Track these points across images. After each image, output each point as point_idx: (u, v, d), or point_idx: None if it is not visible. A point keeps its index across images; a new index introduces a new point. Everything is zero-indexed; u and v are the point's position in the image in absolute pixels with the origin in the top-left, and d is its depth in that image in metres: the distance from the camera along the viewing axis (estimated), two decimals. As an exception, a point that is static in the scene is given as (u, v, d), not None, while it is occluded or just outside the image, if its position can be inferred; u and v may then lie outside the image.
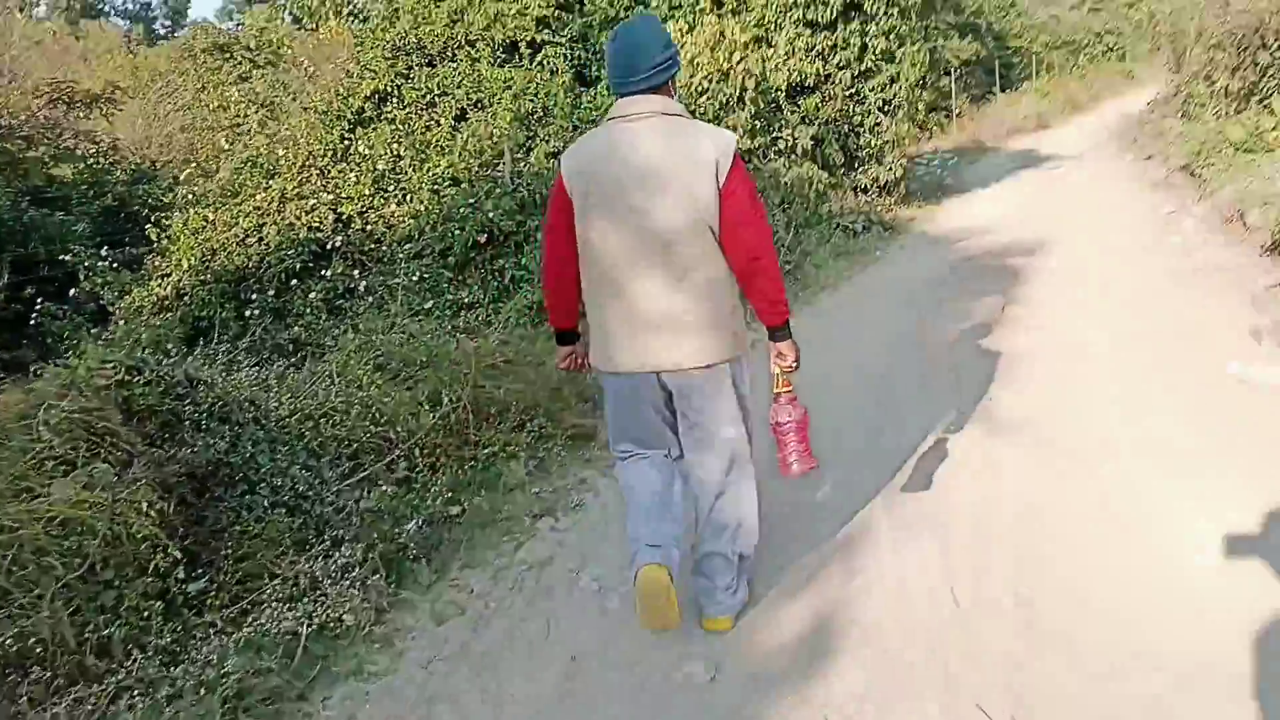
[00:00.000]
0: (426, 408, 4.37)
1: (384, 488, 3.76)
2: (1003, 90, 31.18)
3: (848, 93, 11.30)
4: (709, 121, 9.25)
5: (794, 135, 10.47)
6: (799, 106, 11.02)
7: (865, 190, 11.72)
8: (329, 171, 8.34)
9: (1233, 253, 7.23)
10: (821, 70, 10.93)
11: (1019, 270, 7.80)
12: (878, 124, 11.51)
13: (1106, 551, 3.17)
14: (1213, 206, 9.13)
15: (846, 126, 11.38)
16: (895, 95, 11.38)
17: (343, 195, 8.08)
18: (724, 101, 9.41)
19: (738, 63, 9.34)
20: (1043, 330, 5.99)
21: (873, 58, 11.14)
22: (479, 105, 9.07)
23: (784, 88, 10.58)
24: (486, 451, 4.35)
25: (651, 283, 2.52)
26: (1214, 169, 10.23)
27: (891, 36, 11.20)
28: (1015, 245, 8.81)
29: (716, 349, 2.58)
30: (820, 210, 10.18)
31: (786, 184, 9.95)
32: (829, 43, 10.92)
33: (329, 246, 7.64)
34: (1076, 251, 8.23)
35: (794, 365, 2.74)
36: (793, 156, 10.39)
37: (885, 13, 10.99)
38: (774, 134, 10.26)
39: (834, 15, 10.82)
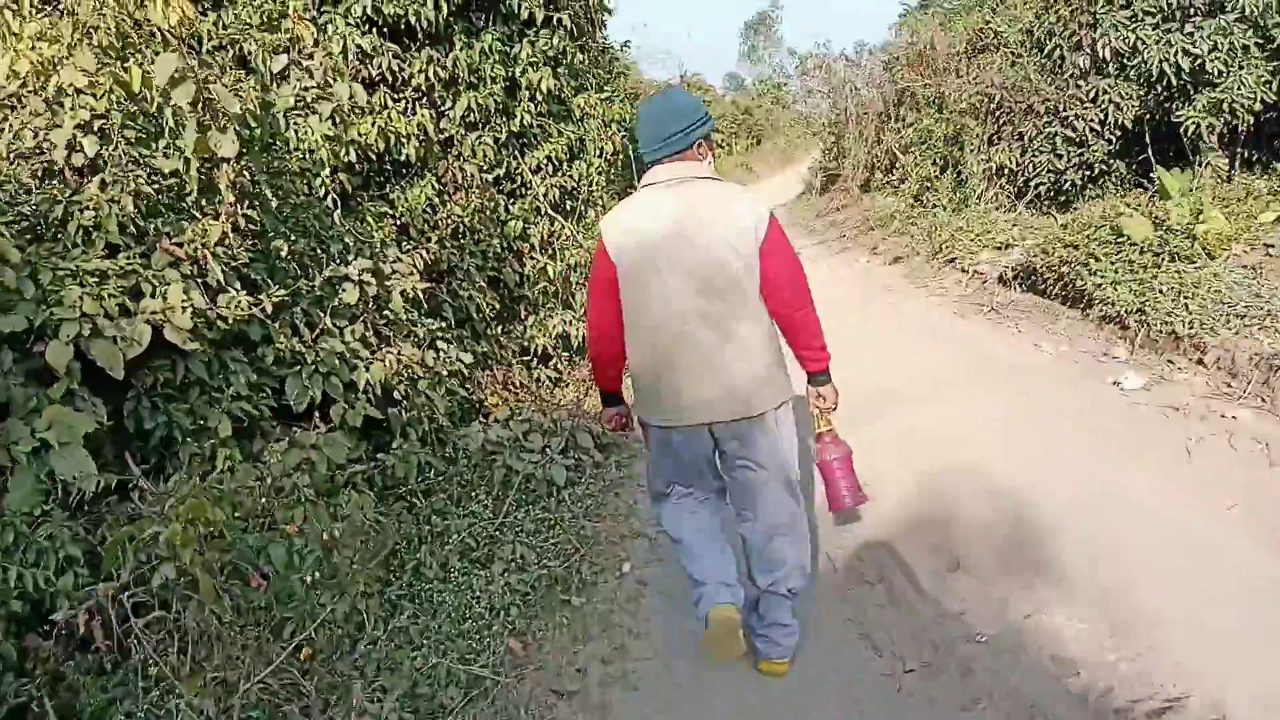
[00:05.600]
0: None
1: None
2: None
3: (490, 174, 5.66)
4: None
5: (390, 270, 4.49)
6: (392, 203, 5.15)
7: (530, 363, 6.01)
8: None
9: None
10: (432, 128, 5.16)
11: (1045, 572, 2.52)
12: (554, 234, 5.95)
13: None
14: (1222, 368, 4.65)
15: (497, 242, 5.67)
16: (584, 179, 5.94)
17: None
18: (172, 191, 3.22)
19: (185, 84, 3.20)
20: None
21: (532, 110, 5.62)
22: None
23: (350, 160, 4.61)
24: None
25: (699, 341, 2.49)
26: (1107, 281, 5.94)
27: (563, 71, 5.80)
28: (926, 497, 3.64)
29: (763, 399, 2.54)
30: (461, 441, 4.27)
31: (382, 386, 3.95)
32: (439, 73, 5.18)
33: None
34: (1108, 520, 3.20)
35: (834, 406, 2.71)
36: (387, 314, 4.40)
37: (551, 21, 5.56)
38: (334, 271, 4.13)
39: (445, 15, 5.11)
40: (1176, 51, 8.72)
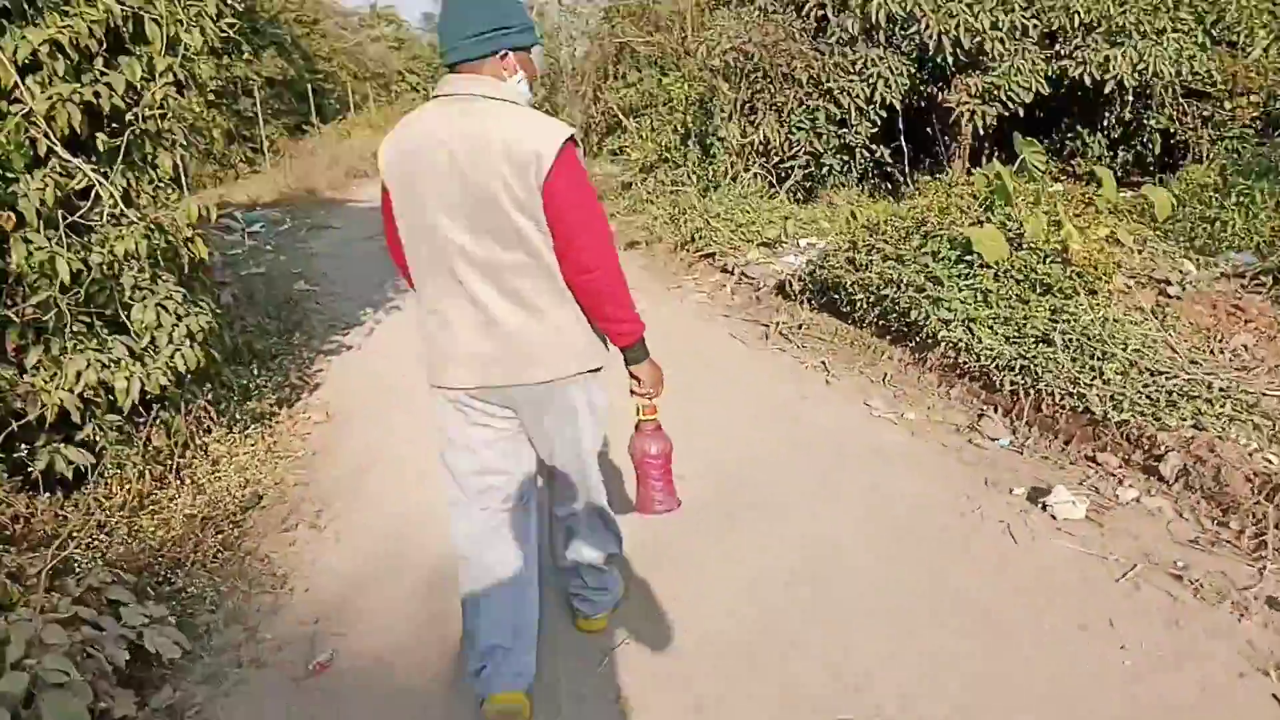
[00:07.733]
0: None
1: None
2: (322, 121, 24.24)
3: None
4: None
5: None
6: None
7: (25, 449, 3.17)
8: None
9: None
10: None
11: None
12: (75, 192, 3.09)
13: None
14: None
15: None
16: (153, 100, 3.11)
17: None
18: None
19: None
20: None
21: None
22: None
23: None
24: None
25: (472, 290, 1.96)
26: (958, 318, 4.27)
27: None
28: None
29: (554, 364, 2.02)
30: None
31: None
32: None
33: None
34: None
35: (653, 390, 2.13)
36: None
37: None
38: None
39: None
40: (958, 24, 7.45)
